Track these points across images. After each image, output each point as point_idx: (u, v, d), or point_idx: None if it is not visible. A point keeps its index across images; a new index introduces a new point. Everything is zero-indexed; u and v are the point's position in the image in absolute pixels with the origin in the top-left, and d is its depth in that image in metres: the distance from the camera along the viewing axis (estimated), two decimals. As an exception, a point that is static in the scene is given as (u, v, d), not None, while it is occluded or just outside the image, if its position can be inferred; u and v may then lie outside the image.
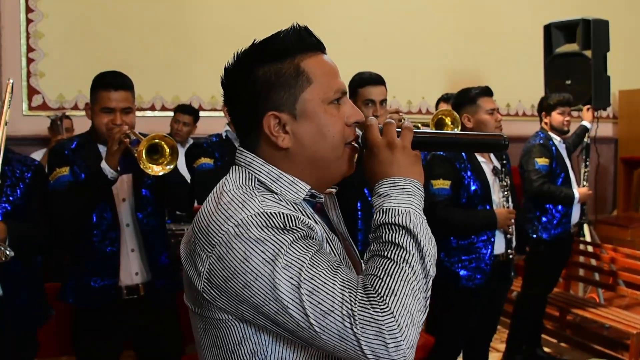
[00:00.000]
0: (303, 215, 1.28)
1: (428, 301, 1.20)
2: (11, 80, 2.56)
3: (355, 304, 1.14)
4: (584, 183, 5.17)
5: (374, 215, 1.28)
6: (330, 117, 1.32)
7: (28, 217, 2.67)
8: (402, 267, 1.18)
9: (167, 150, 2.82)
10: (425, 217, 1.27)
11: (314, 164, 1.33)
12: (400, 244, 1.20)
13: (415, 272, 1.18)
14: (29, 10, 5.71)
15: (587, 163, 5.37)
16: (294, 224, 1.21)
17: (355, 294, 1.15)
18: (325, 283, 1.16)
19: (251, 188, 1.29)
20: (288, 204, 1.28)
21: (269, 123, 1.30)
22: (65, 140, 3.21)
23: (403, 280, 1.16)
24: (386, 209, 1.25)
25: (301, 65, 1.30)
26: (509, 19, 7.40)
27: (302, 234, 1.21)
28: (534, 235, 4.56)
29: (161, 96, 6.18)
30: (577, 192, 4.59)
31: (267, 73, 1.29)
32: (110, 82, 2.87)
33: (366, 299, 1.14)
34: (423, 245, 1.21)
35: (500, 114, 3.65)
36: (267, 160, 1.33)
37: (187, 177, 3.44)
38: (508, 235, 3.61)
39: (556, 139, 4.69)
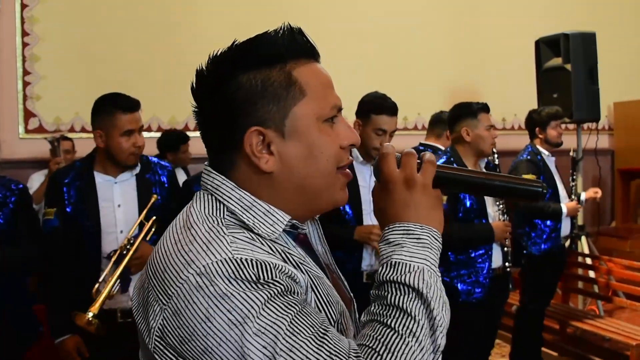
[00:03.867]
0: (283, 259, 1.06)
1: None
2: None
3: None
4: (573, 197, 5.16)
5: (380, 268, 1.06)
6: (325, 137, 1.10)
7: (13, 241, 2.66)
8: (407, 341, 0.97)
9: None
10: (440, 275, 1.06)
11: (301, 192, 1.11)
12: (408, 310, 0.99)
13: (422, 348, 0.98)
14: (25, 33, 5.74)
15: (575, 177, 5.39)
16: (270, 276, 0.98)
17: None
18: (307, 357, 0.94)
19: (219, 222, 1.05)
20: (264, 244, 1.05)
21: (250, 140, 1.07)
22: (65, 168, 3.18)
23: (406, 358, 0.96)
24: (395, 262, 1.04)
25: (293, 73, 1.09)
26: (504, 35, 7.43)
27: (280, 289, 0.97)
28: (524, 251, 4.57)
29: (158, 117, 6.20)
30: (564, 206, 4.60)
31: (253, 80, 1.07)
32: (127, 104, 2.89)
33: None
34: (436, 314, 1.00)
35: (496, 128, 3.66)
36: (241, 185, 1.10)
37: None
38: (505, 248, 3.62)
39: (544, 153, 4.70)
